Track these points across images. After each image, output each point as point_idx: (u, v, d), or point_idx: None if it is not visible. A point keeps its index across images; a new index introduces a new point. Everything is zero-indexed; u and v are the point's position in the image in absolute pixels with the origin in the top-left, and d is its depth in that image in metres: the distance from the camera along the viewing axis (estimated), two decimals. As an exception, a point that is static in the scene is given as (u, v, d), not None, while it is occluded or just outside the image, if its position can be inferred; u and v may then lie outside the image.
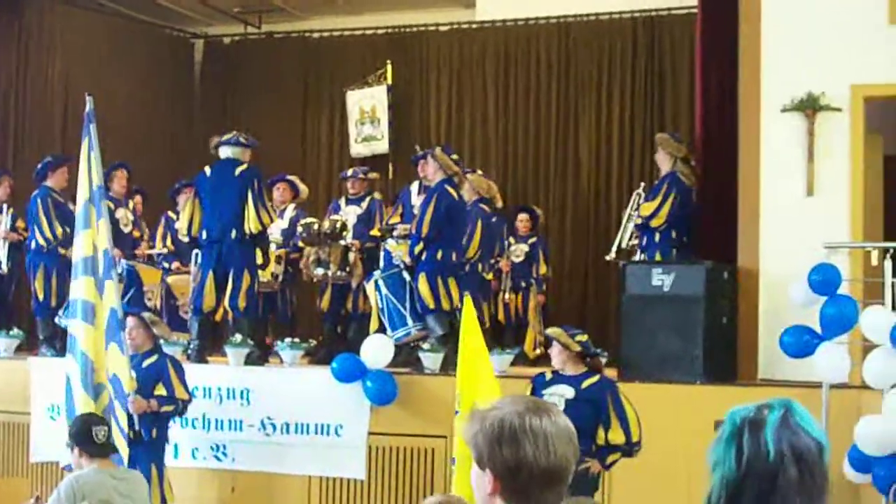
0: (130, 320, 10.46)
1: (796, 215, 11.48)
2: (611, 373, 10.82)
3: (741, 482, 3.00)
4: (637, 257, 12.60)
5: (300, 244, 13.99)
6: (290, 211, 14.52)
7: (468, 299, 9.43)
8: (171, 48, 17.99)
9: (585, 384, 8.96)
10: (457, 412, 8.97)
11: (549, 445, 3.06)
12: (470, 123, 16.44)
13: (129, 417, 10.00)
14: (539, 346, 13.51)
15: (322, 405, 11.52)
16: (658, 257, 12.28)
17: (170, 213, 14.47)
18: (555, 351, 9.09)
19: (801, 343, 10.30)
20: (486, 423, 3.10)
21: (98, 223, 10.15)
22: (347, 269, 13.83)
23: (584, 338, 9.08)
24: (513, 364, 12.13)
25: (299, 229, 13.80)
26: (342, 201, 14.66)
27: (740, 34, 11.98)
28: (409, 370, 11.88)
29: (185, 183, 14.01)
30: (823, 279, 10.29)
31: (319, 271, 13.83)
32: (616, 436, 8.91)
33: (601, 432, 8.89)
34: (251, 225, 12.20)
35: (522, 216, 14.90)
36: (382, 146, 16.62)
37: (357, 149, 16.74)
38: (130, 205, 14.45)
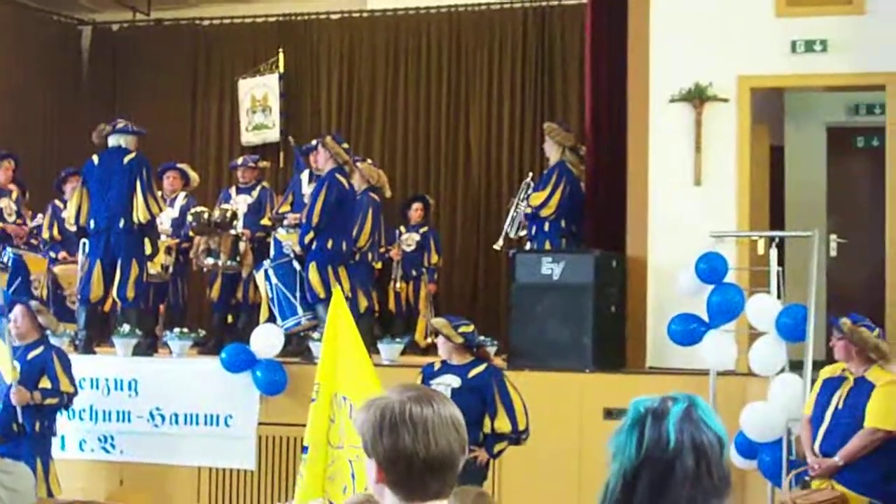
0: (16, 309, 10.30)
1: (684, 205, 11.60)
2: (502, 362, 10.89)
3: (638, 470, 3.01)
4: (527, 247, 12.64)
5: (190, 234, 13.87)
6: (180, 200, 14.39)
7: (338, 290, 9.38)
8: (58, 34, 17.71)
9: (472, 373, 8.97)
10: (312, 399, 8.94)
11: (430, 434, 3.05)
12: (360, 113, 16.39)
13: (14, 410, 9.86)
14: (430, 336, 13.50)
15: (211, 396, 11.45)
16: (548, 246, 12.33)
17: (57, 202, 14.25)
18: (440, 341, 9.10)
19: (688, 331, 10.41)
20: (371, 412, 3.09)
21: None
22: (238, 258, 13.74)
23: (469, 328, 9.05)
24: (403, 353, 12.14)
25: (189, 219, 13.68)
26: (232, 190, 14.56)
27: (629, 25, 12.06)
28: (299, 360, 11.83)
29: (72, 171, 13.82)
30: (710, 268, 10.40)
31: (209, 261, 13.74)
32: (502, 424, 8.92)
33: (487, 421, 8.91)
34: (140, 214, 12.08)
35: (416, 205, 14.89)
36: (273, 135, 16.52)
37: (248, 137, 16.62)
38: (14, 194, 14.21)
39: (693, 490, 3.00)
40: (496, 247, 13.05)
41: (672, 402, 3.06)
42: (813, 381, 9.40)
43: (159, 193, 13.75)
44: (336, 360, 8.85)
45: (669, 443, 3.00)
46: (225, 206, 13.92)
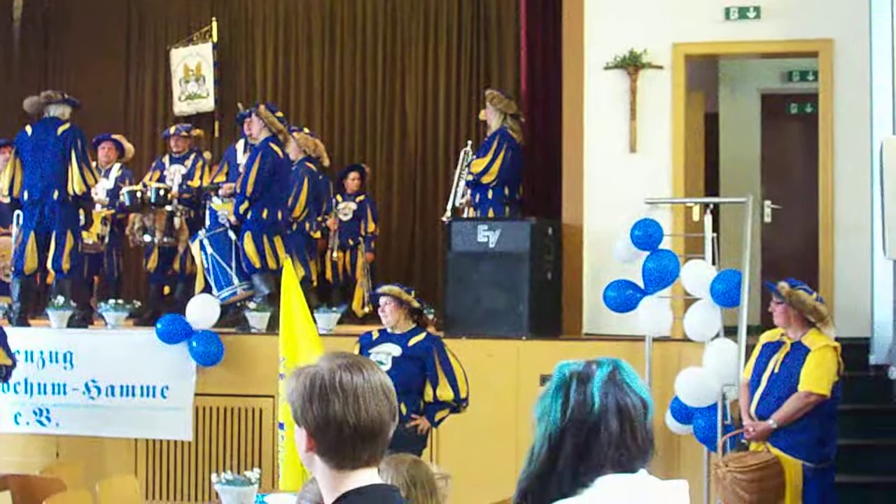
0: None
1: (619, 172, 11.65)
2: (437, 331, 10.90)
3: (563, 433, 3.04)
4: (468, 214, 12.64)
5: (125, 212, 13.81)
6: (115, 171, 14.29)
7: (288, 263, 9.39)
8: (-12, 3, 17.51)
9: (412, 342, 9.01)
10: (281, 376, 8.94)
11: (361, 402, 3.04)
12: (296, 81, 16.29)
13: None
14: (367, 305, 13.51)
15: (147, 367, 11.40)
16: (491, 213, 12.34)
17: (-13, 173, 14.09)
18: (389, 308, 9.09)
19: (624, 297, 10.47)
20: (300, 380, 3.08)
21: None
22: (173, 234, 13.69)
23: (413, 295, 9.17)
24: (340, 322, 12.12)
25: (123, 197, 13.60)
26: (166, 160, 14.47)
27: (563, -9, 12.07)
28: (235, 330, 11.80)
29: (4, 142, 13.68)
30: (645, 234, 10.45)
31: (146, 238, 13.68)
32: (444, 392, 8.98)
33: (429, 389, 8.95)
34: (75, 185, 12.00)
35: (353, 174, 14.85)
36: (208, 104, 16.39)
37: (181, 107, 16.49)
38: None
39: (617, 452, 3.04)
40: (444, 218, 13.01)
41: (597, 366, 3.09)
42: (748, 347, 9.49)
43: (94, 164, 13.67)
44: (295, 333, 8.87)
45: (594, 406, 3.03)
46: (158, 183, 13.81)
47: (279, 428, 9.15)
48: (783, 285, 8.69)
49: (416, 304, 9.09)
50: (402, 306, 9.07)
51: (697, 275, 10.27)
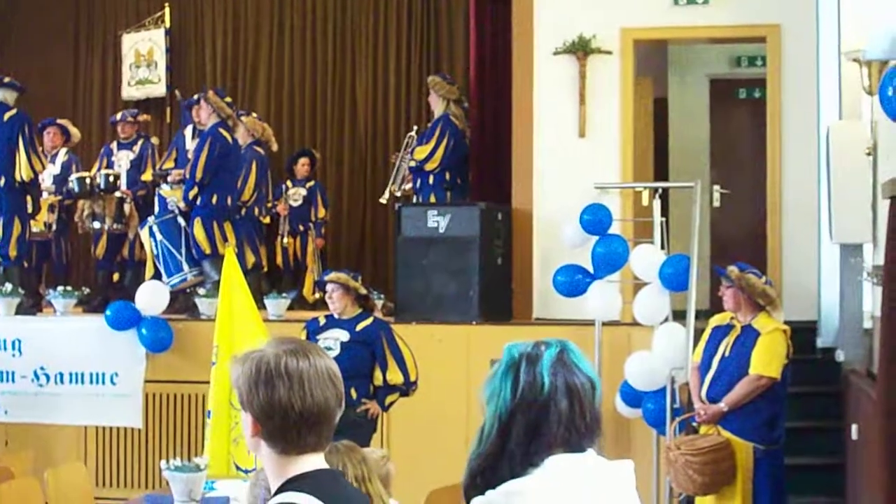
0: None
1: (568, 157, 11.68)
2: (386, 315, 10.92)
3: (513, 413, 3.09)
4: (413, 200, 12.65)
5: (73, 199, 13.72)
6: (61, 156, 14.20)
7: (230, 250, 9.38)
8: (-67, -11, 17.34)
9: (360, 326, 9.03)
10: (213, 363, 8.92)
11: (306, 387, 3.05)
12: (244, 66, 16.22)
13: None
14: (317, 291, 13.49)
15: (96, 354, 11.36)
16: (433, 199, 12.35)
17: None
18: (336, 295, 9.11)
19: (573, 282, 10.50)
20: (246, 366, 3.09)
21: None
22: (123, 220, 13.62)
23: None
24: (291, 308, 12.13)
25: (71, 184, 13.52)
26: (114, 146, 14.38)
27: (513, -24, 12.08)
28: (185, 316, 11.77)
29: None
30: (595, 219, 10.49)
31: (96, 225, 13.61)
32: (394, 376, 9.01)
33: (378, 373, 8.98)
34: (22, 172, 11.94)
35: (302, 160, 14.80)
36: (159, 90, 16.29)
37: (130, 92, 16.38)
38: None
39: (566, 431, 3.09)
40: (382, 200, 13.05)
41: (545, 346, 3.13)
42: (697, 331, 9.55)
43: (41, 150, 13.58)
44: (232, 321, 8.86)
45: (544, 386, 3.08)
46: (107, 170, 13.74)
47: (206, 416, 9.12)
48: (732, 269, 8.75)
49: (362, 291, 9.11)
50: (348, 293, 9.09)
51: (646, 259, 10.31)
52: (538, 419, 3.08)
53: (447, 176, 12.51)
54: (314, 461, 3.11)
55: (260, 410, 3.05)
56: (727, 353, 8.65)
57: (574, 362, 3.14)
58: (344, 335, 9.00)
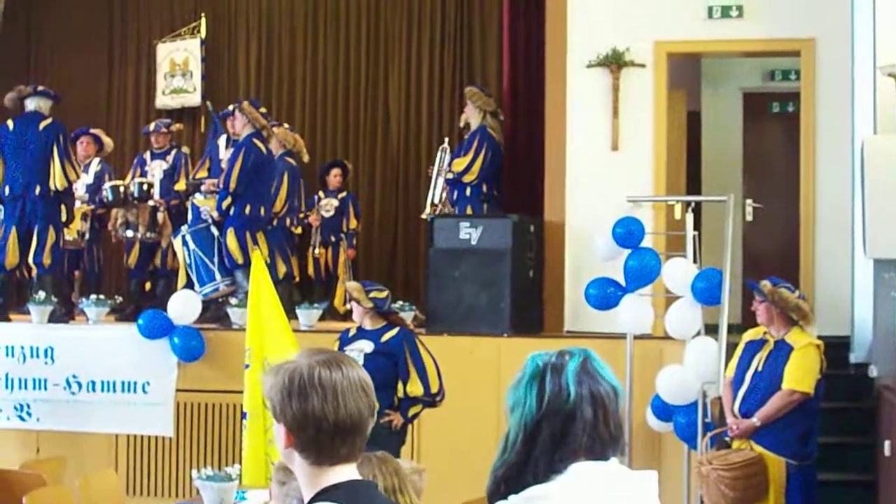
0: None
1: (601, 170, 11.66)
2: (418, 327, 10.91)
3: (539, 421, 3.11)
4: (446, 211, 12.67)
5: (106, 207, 13.79)
6: (94, 165, 14.27)
7: (257, 255, 9.41)
8: (-31, -2, 17.45)
9: (384, 338, 9.00)
10: (246, 366, 8.95)
11: (339, 398, 3.06)
12: (278, 77, 16.26)
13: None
14: (348, 301, 13.50)
15: (128, 362, 11.38)
16: (469, 211, 12.37)
17: (-30, 169, 14.06)
18: (354, 306, 9.14)
19: (605, 295, 10.49)
20: (279, 377, 3.09)
21: None
22: (156, 229, 13.68)
23: (382, 294, 9.09)
24: (322, 319, 12.13)
25: (105, 193, 13.58)
26: (147, 155, 14.44)
27: (547, -10, 12.08)
28: (217, 326, 11.79)
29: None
30: (627, 232, 10.47)
31: (129, 233, 13.66)
32: (414, 387, 8.97)
33: (400, 385, 8.94)
34: (57, 181, 12.00)
35: (334, 170, 14.83)
36: (194, 99, 16.35)
37: (164, 101, 16.44)
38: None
39: (590, 439, 3.12)
40: (424, 216, 13.01)
41: (569, 355, 3.16)
42: (728, 345, 9.52)
43: (75, 159, 13.65)
44: (262, 325, 8.90)
45: (569, 395, 3.11)
46: (141, 178, 13.80)
47: (242, 417, 9.17)
48: (765, 284, 8.73)
49: (367, 305, 9.02)
50: (360, 303, 9.08)
51: (679, 273, 10.29)
52: (563, 427, 3.11)
53: (484, 188, 12.53)
54: (347, 472, 3.11)
55: (293, 422, 3.06)
56: (760, 368, 8.63)
57: (597, 371, 3.17)
58: (368, 346, 8.99)
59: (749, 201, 13.06)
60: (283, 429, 3.08)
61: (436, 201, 13.00)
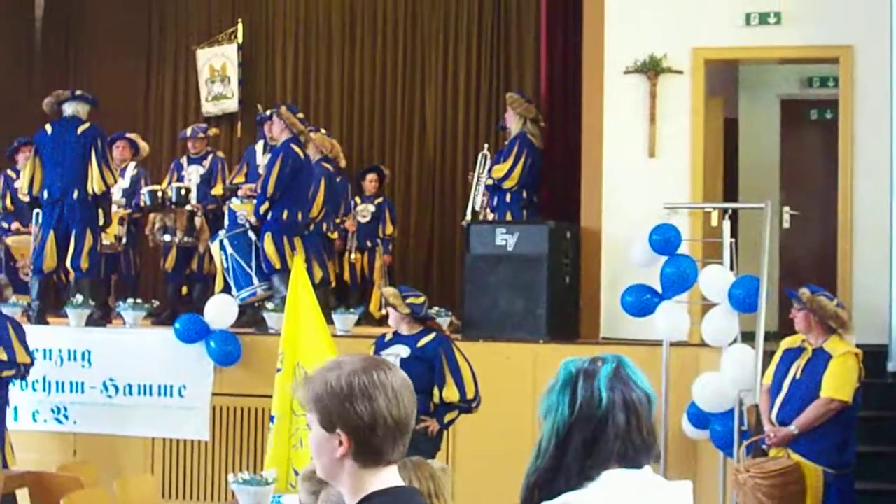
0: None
1: (638, 176, 11.63)
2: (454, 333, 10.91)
3: (571, 428, 3.12)
4: (488, 217, 12.67)
5: (144, 212, 13.86)
6: (130, 170, 14.34)
7: (298, 260, 9.43)
8: (10, 3, 17.50)
9: (420, 343, 9.01)
10: (278, 369, 8.97)
11: (398, 397, 3.07)
12: (315, 82, 16.31)
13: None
14: (384, 307, 13.51)
15: (165, 366, 11.42)
16: (509, 217, 12.37)
17: (9, 172, 14.15)
18: (390, 311, 9.14)
19: (641, 302, 10.46)
20: (333, 384, 3.06)
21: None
22: (194, 233, 13.73)
23: (419, 300, 9.10)
24: (358, 324, 12.13)
25: (143, 197, 13.64)
26: (184, 160, 14.50)
27: (584, -5, 12.07)
28: (253, 330, 11.81)
29: (24, 141, 13.72)
30: (664, 239, 10.45)
31: (166, 238, 13.73)
32: (450, 393, 8.96)
33: (436, 391, 8.93)
34: (94, 185, 12.06)
35: (371, 176, 14.86)
36: (232, 105, 16.44)
37: (207, 107, 16.53)
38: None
39: (623, 446, 3.12)
40: (464, 223, 12.99)
41: (601, 362, 3.17)
42: (765, 352, 9.48)
43: (113, 164, 13.74)
44: (298, 330, 8.93)
45: (602, 401, 3.11)
46: (178, 183, 13.86)
47: (270, 421, 9.20)
48: (804, 291, 8.69)
49: (404, 311, 9.03)
50: (397, 309, 9.08)
51: (715, 280, 10.25)
52: (596, 434, 3.11)
53: (524, 194, 12.54)
54: (392, 475, 3.11)
55: (359, 425, 3.03)
56: (798, 376, 8.60)
57: (630, 377, 3.18)
58: (405, 351, 8.99)
59: (786, 208, 13.02)
60: (340, 436, 3.05)
61: (477, 208, 13.01)
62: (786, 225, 12.99)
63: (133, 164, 14.42)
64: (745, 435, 9.46)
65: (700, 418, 9.99)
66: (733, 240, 10.78)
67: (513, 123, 12.78)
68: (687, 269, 10.32)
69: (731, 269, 10.56)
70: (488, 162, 13.00)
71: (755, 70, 13.91)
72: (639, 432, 3.13)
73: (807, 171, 13.82)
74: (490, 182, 12.71)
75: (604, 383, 3.12)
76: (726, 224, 10.78)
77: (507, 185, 12.53)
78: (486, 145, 13.63)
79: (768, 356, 9.21)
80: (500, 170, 12.57)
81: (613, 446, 3.10)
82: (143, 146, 14.65)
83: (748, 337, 10.09)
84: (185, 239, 13.71)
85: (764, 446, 8.80)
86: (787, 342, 8.91)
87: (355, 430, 3.04)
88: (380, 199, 14.74)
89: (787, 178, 13.86)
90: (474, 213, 12.99)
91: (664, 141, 11.64)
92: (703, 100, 11.76)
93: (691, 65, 11.66)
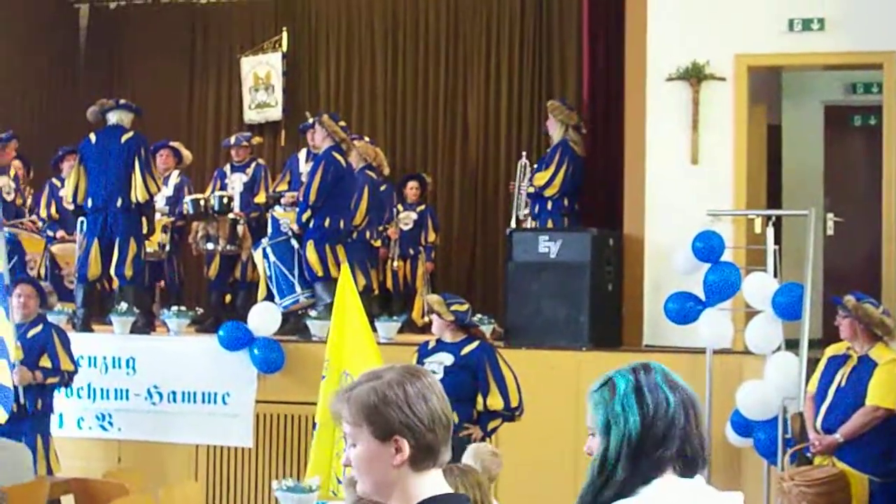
0: (27, 288, 10.31)
1: (681, 183, 11.60)
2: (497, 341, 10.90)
3: (642, 434, 3.13)
4: (529, 225, 12.67)
5: (187, 220, 13.93)
6: (173, 178, 14.40)
7: (346, 268, 9.45)
8: (55, 13, 17.65)
9: (464, 351, 8.98)
10: (322, 377, 9.00)
11: (444, 396, 3.13)
12: (358, 90, 16.35)
13: (14, 389, 9.85)
14: (427, 314, 13.52)
15: (209, 373, 11.48)
16: (550, 224, 12.36)
17: (54, 181, 14.25)
18: (434, 318, 9.14)
19: (684, 309, 10.44)
20: (385, 392, 3.06)
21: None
22: (237, 241, 13.78)
23: (463, 307, 9.08)
24: (400, 331, 12.15)
25: (186, 206, 13.71)
26: (227, 168, 14.55)
27: (626, 3, 12.05)
28: (297, 338, 11.85)
29: (69, 150, 13.81)
30: (707, 246, 10.43)
31: (209, 246, 13.78)
32: (494, 401, 8.93)
33: (480, 398, 8.91)
34: (138, 193, 12.13)
35: (412, 183, 14.88)
36: (276, 113, 16.50)
37: (250, 115, 16.60)
38: (12, 172, 14.20)
39: (683, 446, 3.15)
40: (509, 231, 12.96)
41: (646, 368, 3.23)
42: (810, 360, 9.45)
43: (156, 172, 13.82)
44: (344, 337, 8.94)
45: (669, 404, 3.15)
46: (221, 191, 13.91)
47: (313, 428, 9.22)
48: (849, 299, 8.66)
49: (448, 318, 9.02)
50: (441, 316, 9.06)
51: (759, 287, 10.23)
52: (665, 436, 3.13)
53: (565, 202, 12.53)
54: (441, 482, 3.12)
55: (419, 427, 3.05)
56: (843, 384, 8.56)
57: (676, 379, 3.23)
58: (448, 359, 8.98)
59: (830, 215, 12.96)
60: (399, 443, 3.05)
61: (520, 216, 13.01)
62: (830, 232, 12.93)
63: (176, 172, 14.48)
64: (789, 443, 9.43)
65: (744, 426, 9.96)
66: (777, 247, 10.74)
67: (554, 131, 12.79)
68: (730, 277, 10.30)
69: (775, 276, 10.53)
70: (527, 170, 12.99)
71: (798, 76, 13.85)
72: (697, 429, 3.17)
73: (851, 177, 13.75)
74: (531, 190, 12.71)
75: (665, 387, 3.17)
76: (770, 231, 10.76)
77: (548, 192, 12.53)
78: (524, 153, 13.63)
79: (812, 364, 9.17)
80: (542, 177, 12.57)
81: (676, 448, 3.13)
82: (187, 155, 14.71)
83: (792, 344, 10.06)
84: (228, 247, 13.76)
85: (808, 454, 8.77)
86: (832, 350, 8.87)
87: (415, 433, 3.05)
88: (422, 207, 14.75)
89: (831, 185, 13.79)
90: (518, 221, 12.98)
91: (707, 148, 11.61)
92: (746, 106, 11.72)
93: (734, 71, 11.62)
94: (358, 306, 9.07)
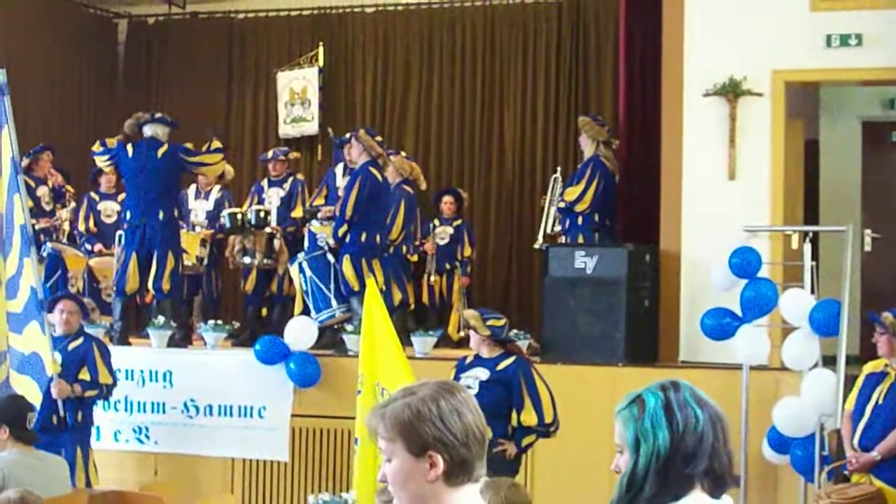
0: (69, 304, 10.41)
1: (718, 199, 11.58)
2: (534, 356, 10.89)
3: (671, 449, 3.15)
4: (561, 241, 12.65)
5: (224, 234, 13.99)
6: (214, 192, 14.49)
7: (371, 282, 9.46)
8: (94, 27, 17.78)
9: (500, 366, 8.96)
10: (358, 392, 9.01)
11: (479, 411, 3.15)
12: (395, 106, 16.41)
13: (54, 402, 9.92)
14: (463, 329, 13.52)
15: (245, 387, 11.52)
16: (581, 240, 12.35)
17: (92, 195, 14.33)
18: (471, 333, 9.13)
19: (721, 325, 10.41)
20: (420, 408, 3.09)
21: (14, 198, 9.96)
22: (273, 255, 13.83)
23: (500, 322, 9.06)
24: (436, 346, 12.16)
25: (223, 220, 13.77)
26: (264, 183, 14.60)
27: (663, 19, 12.03)
28: (333, 352, 11.88)
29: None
30: (744, 262, 10.40)
31: (246, 260, 13.83)
32: (528, 417, 8.89)
33: (514, 414, 8.89)
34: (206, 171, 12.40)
35: (447, 198, 14.88)
36: (312, 128, 16.55)
37: (286, 129, 16.66)
38: (50, 182, 14.30)
39: (711, 462, 3.17)
40: (536, 246, 12.98)
41: (675, 385, 3.26)
42: (848, 377, 9.40)
43: (194, 186, 13.93)
44: (374, 352, 8.95)
45: (699, 420, 3.17)
46: (258, 205, 13.96)
47: (354, 444, 9.23)
48: (887, 316, 8.62)
49: (484, 333, 8.99)
50: (477, 331, 9.05)
51: (796, 303, 10.19)
52: (695, 451, 3.15)
53: (596, 217, 12.51)
54: (477, 497, 3.14)
55: (454, 441, 3.07)
56: (881, 401, 8.52)
57: (703, 395, 3.25)
58: (484, 374, 8.97)
59: (868, 231, 12.89)
60: (433, 458, 3.08)
61: (549, 231, 13.00)
62: (867, 248, 12.86)
63: (217, 186, 14.58)
64: (826, 460, 9.39)
65: (780, 443, 9.92)
66: (814, 263, 10.70)
67: (586, 147, 12.80)
68: (767, 293, 10.27)
69: (812, 292, 10.48)
70: (559, 185, 12.99)
71: (836, 92, 13.81)
72: (725, 444, 3.20)
73: (889, 193, 13.70)
74: (562, 205, 12.70)
75: (693, 404, 3.19)
76: (807, 247, 10.71)
77: (579, 208, 12.51)
78: (558, 168, 13.64)
79: (850, 380, 9.13)
80: (573, 193, 12.56)
81: (705, 466, 3.15)
82: (229, 169, 14.65)
83: (829, 361, 10.02)
84: (265, 261, 13.81)
85: (846, 472, 8.72)
86: (869, 367, 8.83)
87: (449, 448, 3.07)
88: (458, 222, 14.75)
89: (869, 201, 13.74)
90: (546, 236, 12.97)
91: (744, 163, 11.58)
92: (784, 122, 11.69)
93: (771, 87, 11.59)
94: (386, 321, 9.08)
